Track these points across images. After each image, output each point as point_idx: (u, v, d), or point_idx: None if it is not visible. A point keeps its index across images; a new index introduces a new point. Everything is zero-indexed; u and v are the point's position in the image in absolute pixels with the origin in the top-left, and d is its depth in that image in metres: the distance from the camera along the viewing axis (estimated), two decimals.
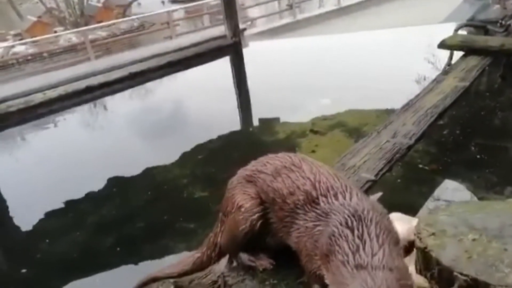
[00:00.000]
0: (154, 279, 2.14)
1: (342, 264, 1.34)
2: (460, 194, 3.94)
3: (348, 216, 1.45)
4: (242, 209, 1.75)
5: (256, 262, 1.79)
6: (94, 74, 7.56)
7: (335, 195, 1.56)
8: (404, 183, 4.18)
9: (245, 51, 9.48)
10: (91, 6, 19.90)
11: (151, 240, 3.99)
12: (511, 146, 4.44)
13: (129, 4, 21.48)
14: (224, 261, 1.96)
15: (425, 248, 1.56)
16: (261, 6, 17.07)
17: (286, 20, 14.11)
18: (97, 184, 4.98)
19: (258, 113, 6.64)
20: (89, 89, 7.32)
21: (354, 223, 1.42)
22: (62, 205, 4.68)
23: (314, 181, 1.62)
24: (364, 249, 1.34)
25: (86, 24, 18.17)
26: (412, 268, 1.72)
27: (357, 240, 1.37)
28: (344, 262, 1.34)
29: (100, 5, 20.15)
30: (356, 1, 15.80)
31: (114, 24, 16.61)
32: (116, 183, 4.99)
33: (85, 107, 7.86)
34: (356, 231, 1.39)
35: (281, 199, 1.66)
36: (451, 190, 4.01)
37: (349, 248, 1.36)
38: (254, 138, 5.89)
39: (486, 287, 1.32)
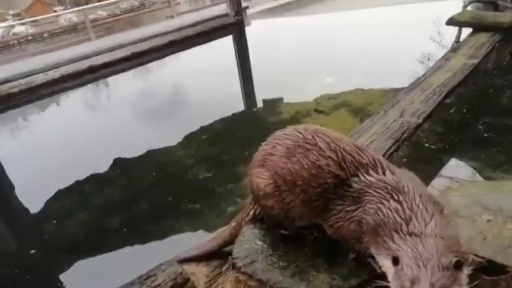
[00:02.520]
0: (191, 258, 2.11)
1: (394, 232, 1.34)
2: (467, 173, 3.90)
3: (391, 190, 1.43)
4: (262, 194, 1.72)
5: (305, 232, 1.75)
6: (96, 54, 7.46)
7: (367, 172, 1.51)
8: (411, 162, 4.12)
9: (247, 29, 9.31)
10: None
11: (156, 221, 4.00)
12: None
13: None
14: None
15: None
16: None
17: None
18: (101, 165, 4.98)
19: (261, 92, 6.57)
20: (91, 69, 7.23)
21: (400, 196, 1.41)
22: (67, 187, 4.68)
23: (338, 159, 1.55)
24: (417, 219, 1.34)
25: (86, 3, 17.93)
26: None
27: (407, 212, 1.36)
28: (397, 229, 1.34)
29: None
30: None
31: (114, 3, 16.38)
32: (120, 165, 4.98)
33: (88, 88, 7.78)
34: (404, 204, 1.39)
35: (303, 181, 1.59)
36: (458, 169, 3.96)
37: (401, 218, 1.36)
38: (258, 119, 5.84)
39: (502, 269, 1.29)
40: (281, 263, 1.58)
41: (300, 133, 1.68)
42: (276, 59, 7.70)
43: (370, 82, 5.98)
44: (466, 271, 1.24)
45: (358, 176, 1.51)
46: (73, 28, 15.22)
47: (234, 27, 9.08)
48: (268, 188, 1.69)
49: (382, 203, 1.42)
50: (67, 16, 15.82)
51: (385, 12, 10.03)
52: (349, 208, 1.50)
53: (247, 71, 7.66)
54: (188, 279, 1.90)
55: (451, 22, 5.50)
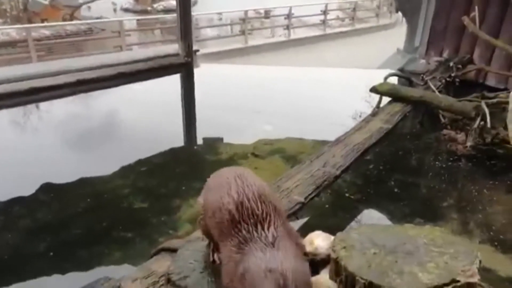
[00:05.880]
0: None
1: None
2: (378, 222, 4.47)
3: (263, 248, 1.60)
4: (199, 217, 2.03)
5: None
6: (39, 76, 7.36)
7: (255, 224, 1.66)
8: (332, 209, 4.65)
9: (196, 71, 9.74)
10: (36, 2, 19.06)
11: (86, 247, 4.02)
12: (422, 183, 5.13)
13: (79, 7, 20.86)
14: (167, 263, 2.19)
15: (337, 258, 1.92)
16: (214, 28, 17.60)
17: (238, 45, 14.73)
18: (33, 188, 4.89)
19: (203, 132, 6.90)
20: (32, 91, 7.10)
21: (268, 253, 1.58)
22: None
23: (237, 201, 1.72)
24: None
25: (29, 21, 17.41)
26: (327, 276, 2.09)
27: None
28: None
29: (46, 2, 19.37)
30: (303, 36, 17.05)
31: (60, 25, 16.09)
32: (53, 189, 4.93)
33: (25, 108, 7.58)
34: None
35: (211, 211, 1.81)
36: (370, 217, 4.54)
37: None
38: (197, 156, 6.12)
39: None
40: (210, 279, 1.87)
41: (234, 171, 1.95)
42: (220, 102, 8.13)
43: (304, 132, 6.58)
44: None
45: (248, 224, 1.68)
46: (11, 44, 14.60)
47: (183, 67, 9.45)
48: (200, 211, 2.01)
49: (253, 263, 1.55)
50: (6, 30, 15.25)
51: (326, 72, 11.11)
52: (232, 249, 1.67)
53: (191, 110, 7.98)
54: None
55: (373, 90, 6.37)
